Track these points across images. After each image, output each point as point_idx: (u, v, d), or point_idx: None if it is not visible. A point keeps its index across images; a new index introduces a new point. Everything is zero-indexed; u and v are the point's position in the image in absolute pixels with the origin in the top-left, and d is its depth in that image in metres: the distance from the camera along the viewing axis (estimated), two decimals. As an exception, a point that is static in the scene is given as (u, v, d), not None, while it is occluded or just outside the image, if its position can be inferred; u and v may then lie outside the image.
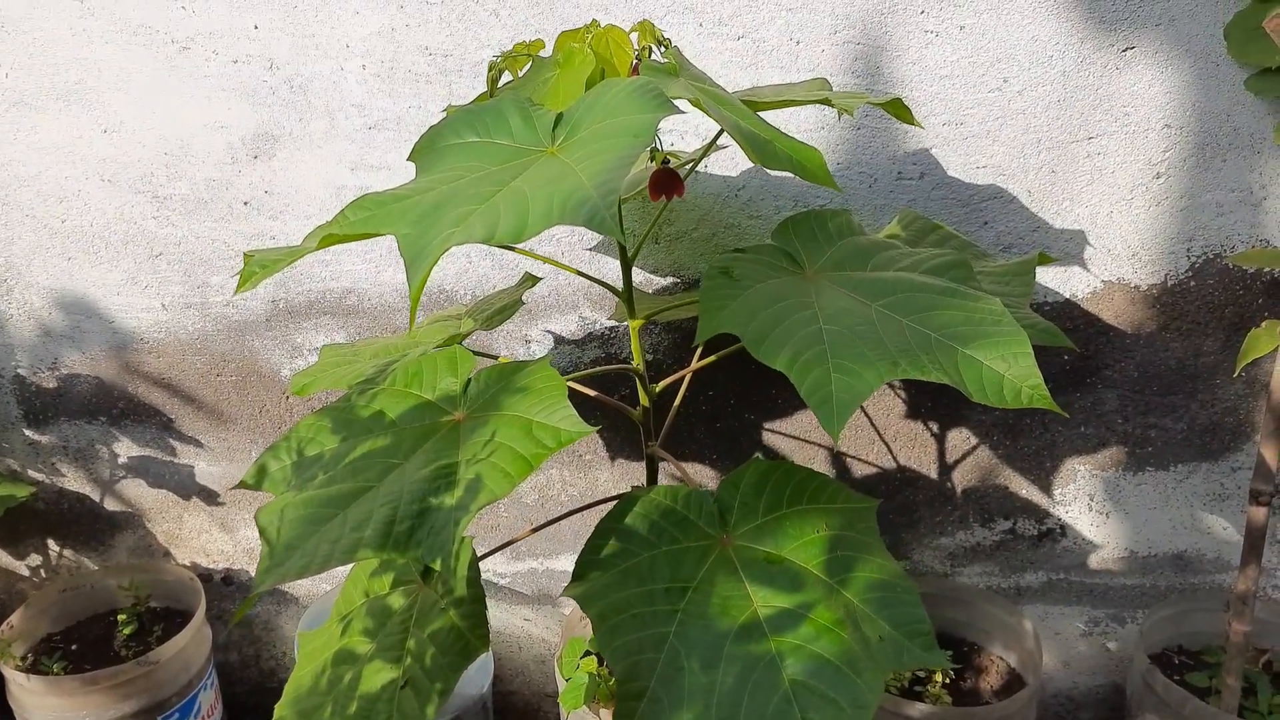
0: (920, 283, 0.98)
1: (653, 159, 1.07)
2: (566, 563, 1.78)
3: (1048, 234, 1.47)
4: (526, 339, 1.62)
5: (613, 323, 1.58)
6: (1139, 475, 1.60)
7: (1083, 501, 1.63)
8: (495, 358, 1.32)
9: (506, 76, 1.11)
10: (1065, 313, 1.51)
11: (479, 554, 1.72)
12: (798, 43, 1.39)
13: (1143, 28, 1.34)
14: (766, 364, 0.89)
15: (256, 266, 1.06)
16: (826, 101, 1.08)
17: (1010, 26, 1.35)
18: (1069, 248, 1.47)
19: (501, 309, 1.32)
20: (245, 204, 1.57)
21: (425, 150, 1.01)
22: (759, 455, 1.64)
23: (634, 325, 1.15)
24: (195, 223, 1.59)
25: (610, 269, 1.55)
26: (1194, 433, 1.56)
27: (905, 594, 0.91)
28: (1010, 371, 0.90)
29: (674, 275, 1.56)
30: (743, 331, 0.92)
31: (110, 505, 1.82)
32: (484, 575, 1.80)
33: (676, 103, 0.93)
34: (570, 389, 1.18)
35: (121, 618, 1.78)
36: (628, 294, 1.14)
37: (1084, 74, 1.37)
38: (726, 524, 1.00)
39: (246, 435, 1.74)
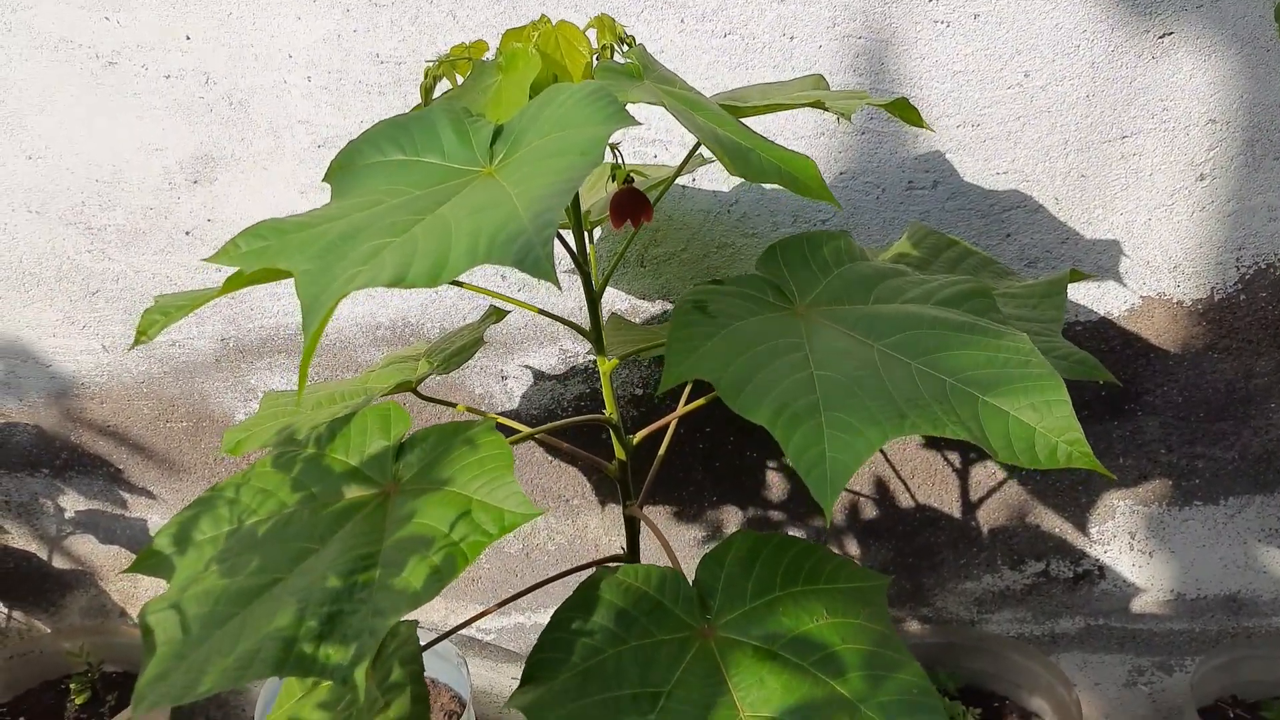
0: (932, 317, 0.81)
1: (614, 177, 0.92)
2: (554, 616, 1.62)
3: (1078, 246, 1.30)
4: (502, 375, 1.47)
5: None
6: (1185, 510, 1.43)
7: (1123, 540, 1.46)
8: (453, 405, 1.16)
9: (445, 85, 0.96)
10: (1100, 333, 1.35)
11: (454, 612, 1.57)
12: (792, 38, 1.24)
13: (1182, 11, 1.18)
14: (745, 417, 0.73)
15: (158, 314, 0.91)
16: (820, 105, 0.93)
17: (1031, 13, 1.19)
18: (1102, 260, 1.31)
19: (460, 350, 1.16)
20: (187, 234, 1.43)
21: (342, 170, 0.85)
22: (745, 526, 1.48)
23: (605, 367, 1.00)
24: (134, 255, 1.45)
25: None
26: (1246, 462, 1.40)
27: (924, 697, 0.75)
28: (1043, 423, 0.74)
29: (664, 299, 1.40)
30: (717, 378, 0.76)
31: (59, 563, 1.67)
32: (466, 631, 1.64)
33: (643, 110, 0.78)
34: (542, 441, 1.03)
35: (74, 685, 1.64)
36: (595, 332, 0.98)
37: (1116, 65, 1.21)
38: (708, 610, 0.84)
39: (201, 485, 1.59)
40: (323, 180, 0.87)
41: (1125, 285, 1.32)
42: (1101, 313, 1.34)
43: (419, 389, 1.16)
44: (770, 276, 0.87)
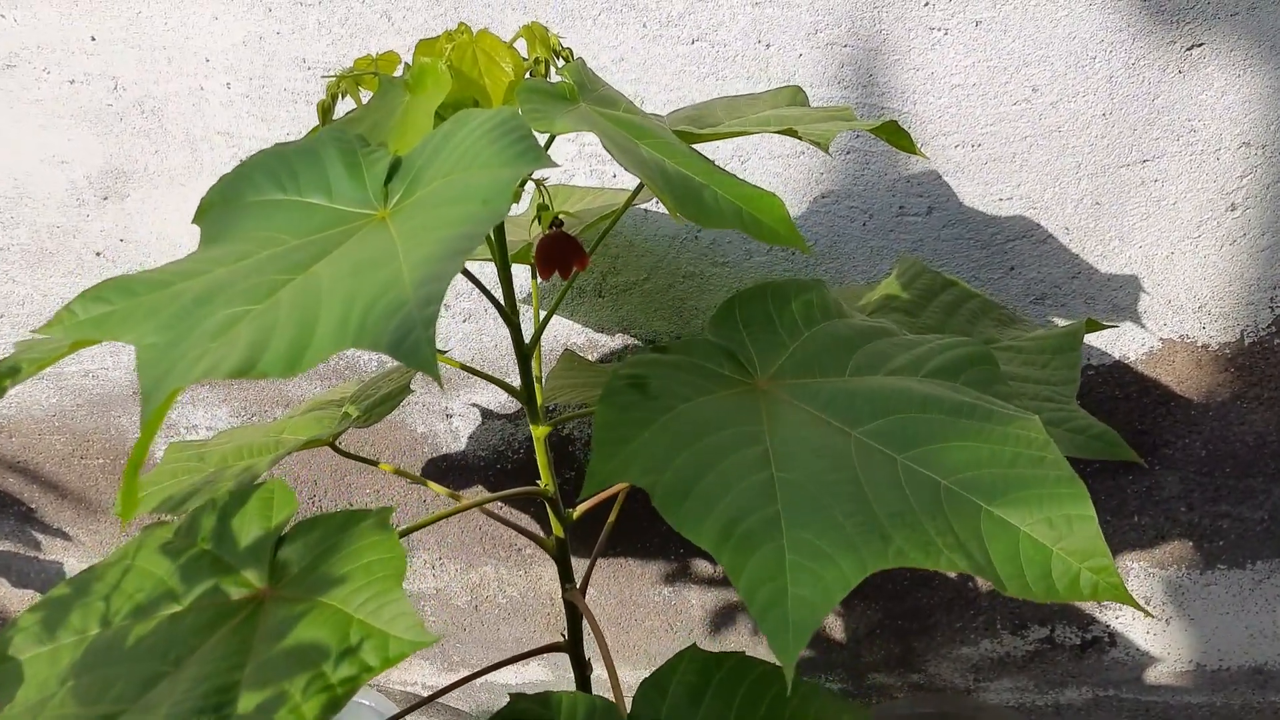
0: (923, 395, 0.67)
1: (539, 218, 0.77)
2: (509, 674, 1.48)
3: (1091, 281, 1.16)
4: (447, 412, 1.32)
5: (552, 392, 1.29)
6: (1207, 574, 1.29)
7: (1136, 604, 1.32)
8: (374, 463, 1.02)
9: (350, 104, 0.81)
10: (1114, 378, 1.20)
11: (399, 666, 1.40)
12: (768, 46, 1.09)
13: (1213, 20, 1.03)
14: (686, 536, 0.59)
15: (5, 377, 0.76)
16: (792, 132, 0.78)
17: (1040, 20, 1.05)
18: (1119, 298, 1.16)
19: (385, 398, 1.02)
20: (98, 255, 1.28)
21: (215, 209, 0.71)
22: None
23: (538, 433, 0.85)
24: (40, 278, 1.30)
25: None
26: (1277, 523, 1.25)
27: None
28: (1062, 543, 0.59)
29: (625, 332, 1.26)
30: (653, 482, 0.61)
31: (-30, 607, 1.53)
32: (411, 688, 1.50)
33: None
34: (479, 509, 0.89)
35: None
36: (527, 393, 0.84)
37: (1137, 80, 1.06)
38: (644, 755, 0.70)
39: (119, 526, 1.44)
40: (192, 221, 0.72)
41: (1144, 326, 1.17)
42: (1117, 356, 1.19)
43: (338, 443, 1.02)
44: (725, 341, 0.72)
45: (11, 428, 1.40)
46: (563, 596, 0.90)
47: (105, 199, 1.25)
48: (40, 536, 1.46)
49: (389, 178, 0.67)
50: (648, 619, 1.40)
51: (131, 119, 1.20)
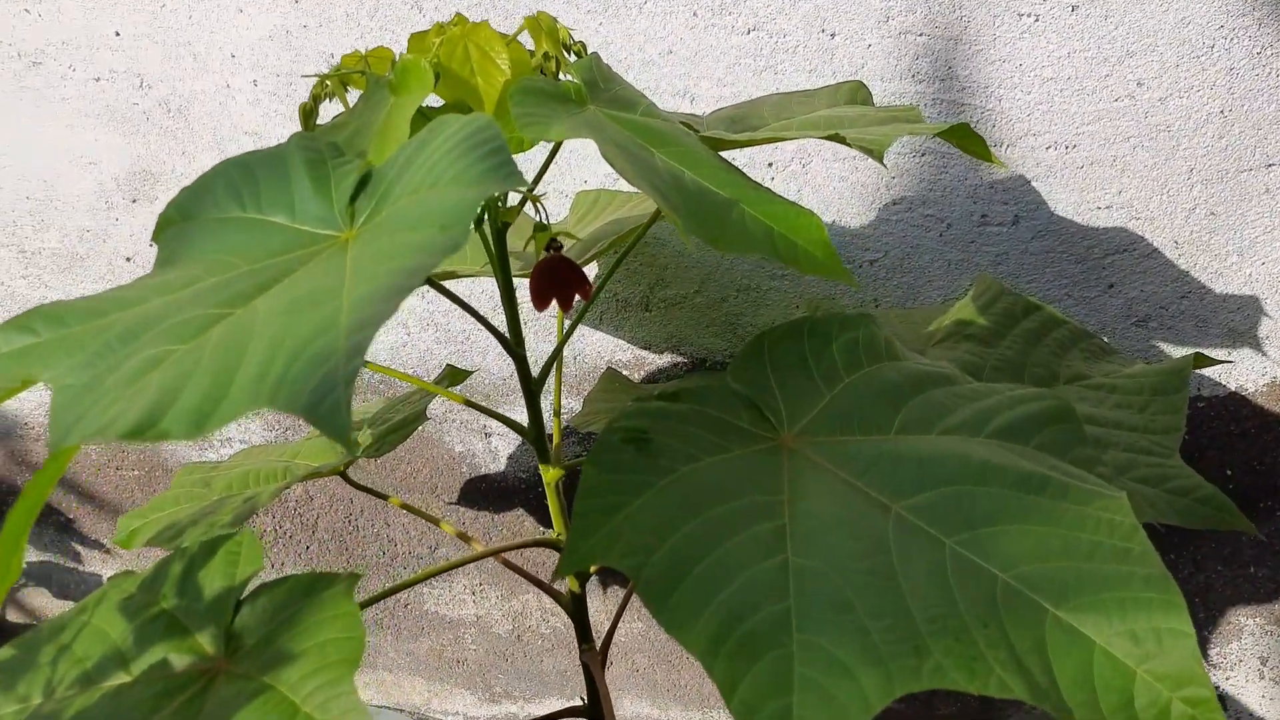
0: (982, 462, 0.55)
1: (535, 239, 0.67)
2: (551, 705, 1.39)
3: (1203, 302, 1.01)
4: (486, 431, 1.24)
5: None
6: (1335, 635, 1.13)
7: (1251, 665, 1.16)
8: (384, 497, 0.94)
9: (339, 107, 0.73)
10: (1230, 412, 1.05)
11: (436, 695, 1.34)
12: (832, 35, 0.97)
13: (1359, -2, 0.88)
14: (674, 637, 0.49)
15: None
16: (838, 138, 0.67)
17: (1147, 4, 0.91)
18: (1235, 321, 1.01)
19: (399, 425, 0.94)
20: (128, 260, 1.23)
21: (173, 227, 0.63)
22: None
23: (549, 477, 0.76)
24: (71, 283, 1.26)
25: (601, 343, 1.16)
26: None
27: None
28: (1150, 665, 0.47)
29: (673, 352, 1.16)
30: (638, 564, 0.51)
31: (13, 617, 1.51)
32: (452, 718, 1.43)
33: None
34: (496, 557, 0.80)
35: (27, 750, 1.47)
36: (535, 431, 0.74)
37: (1262, 72, 0.91)
38: None
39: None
40: (151, 240, 0.64)
41: (1264, 354, 1.02)
42: (1233, 386, 1.04)
43: (348, 472, 0.94)
44: (748, 388, 0.61)
45: (47, 436, 1.36)
46: (580, 659, 0.80)
47: (134, 201, 1.19)
48: (79, 548, 1.43)
49: (357, 193, 0.58)
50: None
51: (158, 118, 1.15)
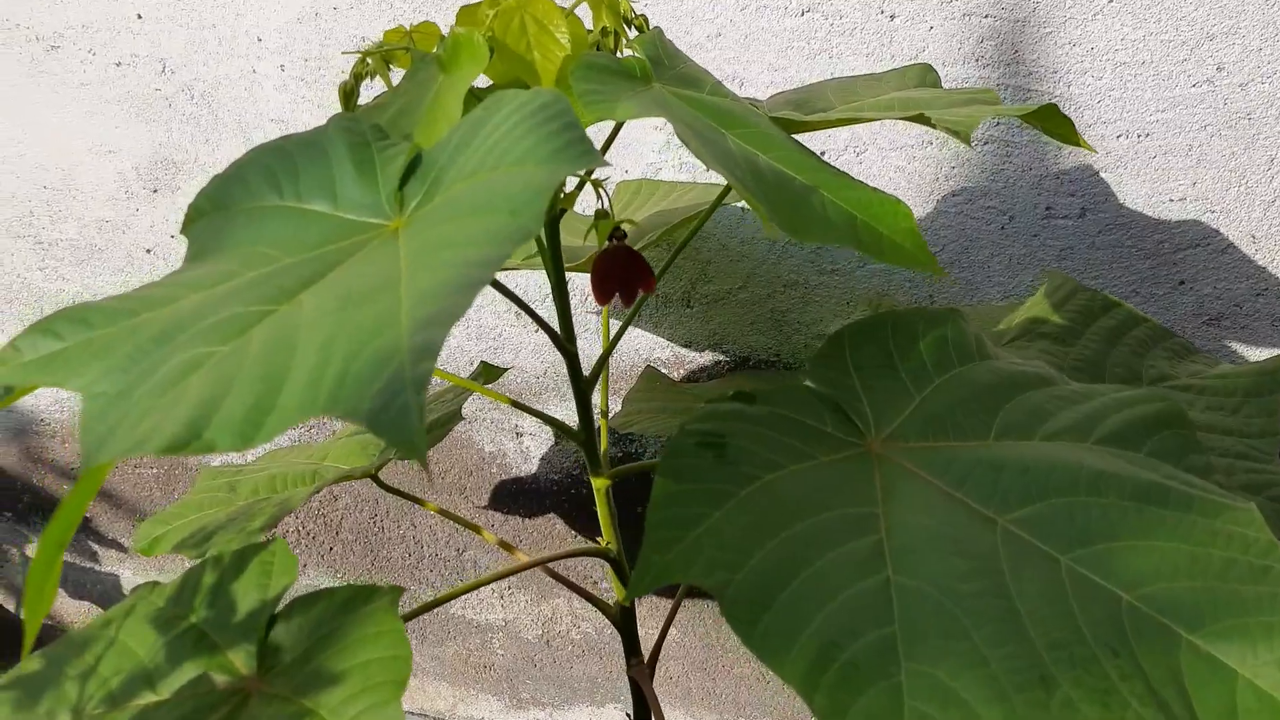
0: (1094, 472, 0.50)
1: (596, 228, 0.62)
2: (580, 714, 1.35)
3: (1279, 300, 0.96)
4: (517, 430, 1.19)
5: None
6: None
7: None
8: (420, 502, 0.89)
9: (380, 87, 0.68)
10: (1304, 416, 1.00)
11: (463, 700, 1.29)
12: (892, 17, 0.92)
13: None
14: (767, 664, 0.44)
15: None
16: (922, 119, 0.62)
17: (1232, -18, 0.86)
18: (1315, 321, 0.96)
19: (435, 424, 0.89)
20: (148, 251, 1.19)
21: (205, 218, 0.59)
22: None
23: (599, 484, 0.71)
24: (89, 275, 1.21)
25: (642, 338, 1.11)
26: None
27: None
28: (1301, 702, 0.42)
29: (714, 350, 1.11)
30: (724, 582, 0.46)
31: (28, 616, 1.47)
32: (479, 725, 1.38)
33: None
34: (540, 567, 0.75)
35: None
36: (585, 434, 0.69)
37: (1354, 54, 0.86)
38: None
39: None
40: (180, 231, 0.60)
41: (1345, 355, 0.97)
42: (1307, 389, 0.99)
43: (380, 474, 0.89)
44: (830, 389, 0.56)
45: (64, 433, 1.32)
46: (628, 673, 0.75)
47: (155, 191, 1.15)
48: (96, 547, 1.39)
49: (405, 179, 0.53)
50: (737, 665, 1.25)
51: (181, 104, 1.10)
